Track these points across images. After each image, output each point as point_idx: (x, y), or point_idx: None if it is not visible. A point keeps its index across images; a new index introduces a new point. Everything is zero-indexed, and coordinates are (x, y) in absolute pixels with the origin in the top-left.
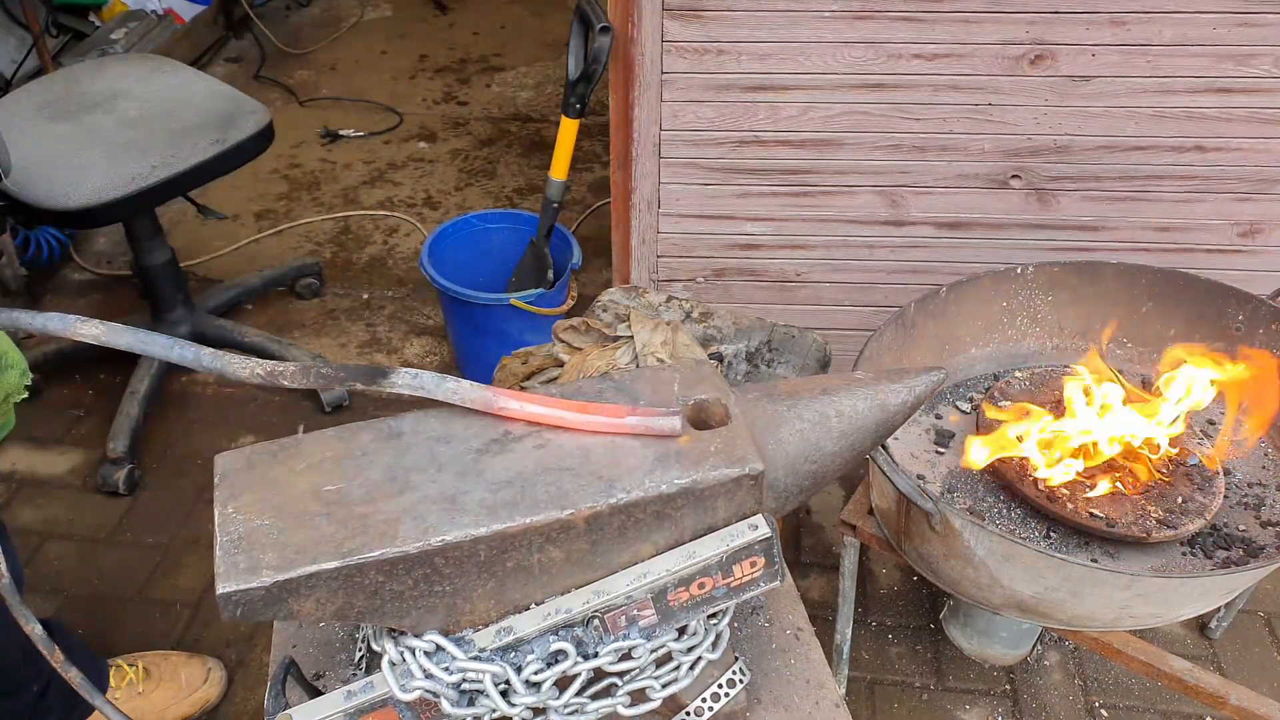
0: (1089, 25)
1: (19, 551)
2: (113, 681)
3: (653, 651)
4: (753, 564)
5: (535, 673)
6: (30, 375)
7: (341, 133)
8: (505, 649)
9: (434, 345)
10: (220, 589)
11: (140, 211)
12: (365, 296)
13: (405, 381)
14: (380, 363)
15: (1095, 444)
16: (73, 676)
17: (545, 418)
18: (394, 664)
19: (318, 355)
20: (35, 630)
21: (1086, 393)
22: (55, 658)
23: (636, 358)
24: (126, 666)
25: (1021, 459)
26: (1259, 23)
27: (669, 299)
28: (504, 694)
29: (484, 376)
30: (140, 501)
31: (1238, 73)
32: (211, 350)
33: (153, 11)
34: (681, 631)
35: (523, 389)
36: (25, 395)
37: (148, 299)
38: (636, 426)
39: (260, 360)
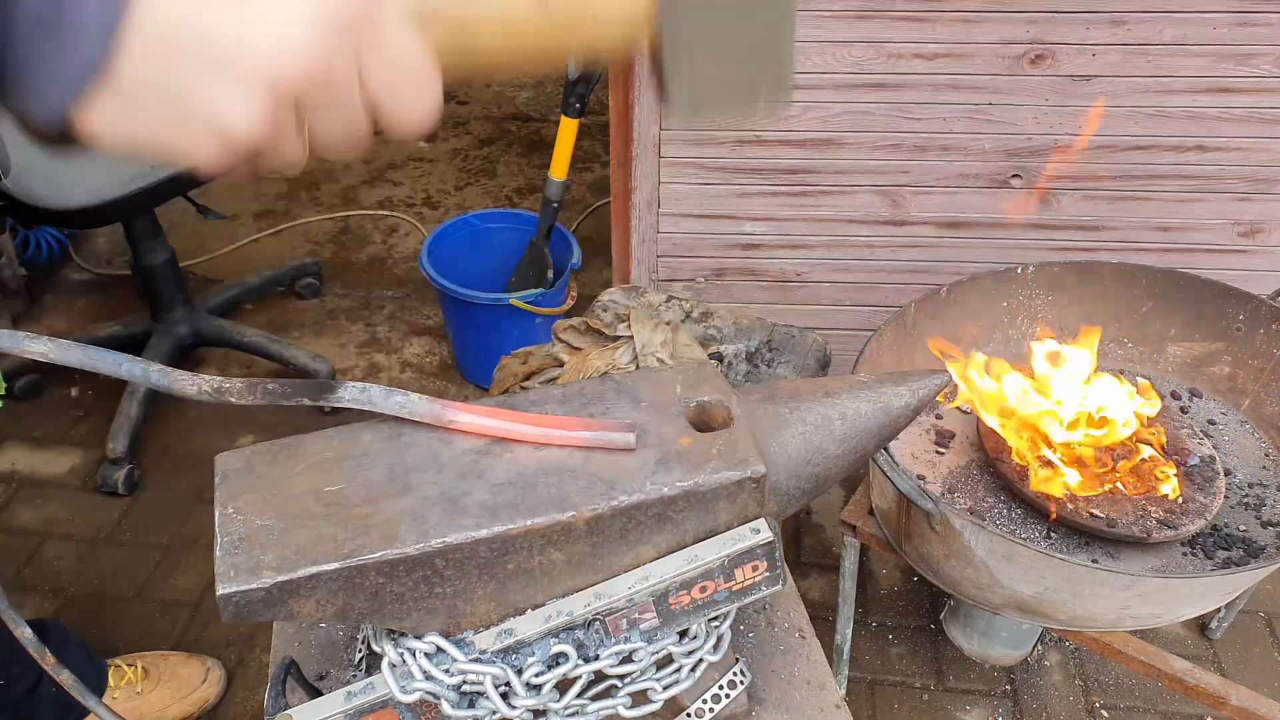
0: (1089, 25)
1: (19, 552)
2: (112, 681)
3: (654, 654)
4: (755, 568)
5: (536, 675)
6: (3, 384)
7: None
8: (506, 651)
9: (434, 345)
10: (220, 590)
11: (140, 211)
12: (365, 296)
13: (352, 395)
14: (379, 362)
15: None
16: (65, 679)
17: (496, 430)
18: (394, 665)
19: (317, 355)
20: (25, 634)
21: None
22: (46, 661)
23: (636, 358)
24: (125, 666)
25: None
26: (1259, 23)
27: (669, 299)
28: (504, 696)
29: (484, 376)
30: (140, 501)
31: (1238, 73)
32: (160, 367)
33: None
34: (683, 634)
35: (523, 389)
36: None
37: (147, 299)
38: (591, 440)
39: (208, 377)
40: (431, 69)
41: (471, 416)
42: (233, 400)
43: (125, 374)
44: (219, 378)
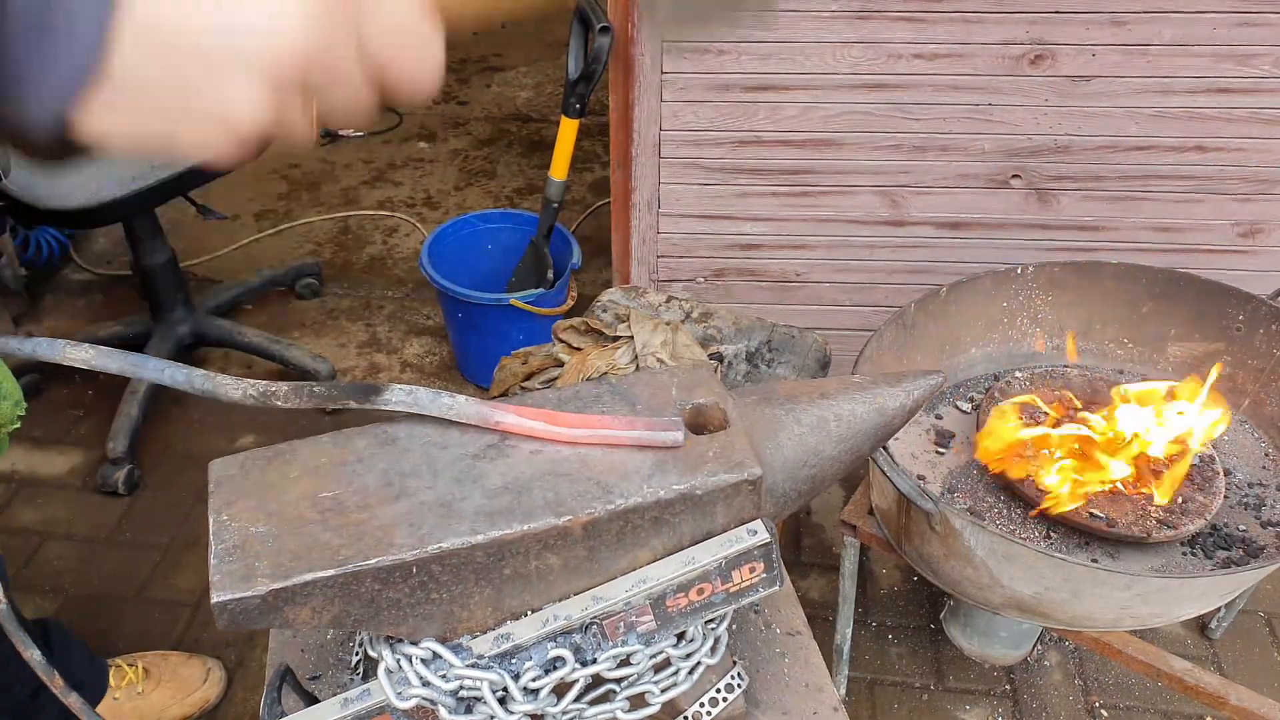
0: (1089, 25)
1: (19, 552)
2: (113, 681)
3: (651, 658)
4: (752, 569)
5: (533, 680)
6: (24, 405)
7: (341, 133)
8: (503, 656)
9: (434, 345)
10: (215, 598)
11: (140, 211)
12: (365, 296)
13: (400, 398)
14: (379, 362)
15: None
16: (73, 702)
17: (544, 433)
18: (391, 671)
19: (318, 355)
20: (34, 657)
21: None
22: (55, 683)
23: (636, 358)
24: (126, 666)
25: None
26: (1259, 23)
27: (669, 299)
28: (502, 701)
29: (484, 376)
30: (140, 501)
31: (1238, 73)
32: (203, 372)
33: None
34: (680, 637)
35: (523, 389)
36: (17, 425)
37: (148, 299)
38: (639, 439)
39: (253, 381)
40: (431, 25)
41: (518, 418)
42: (279, 404)
43: (169, 380)
44: (264, 381)
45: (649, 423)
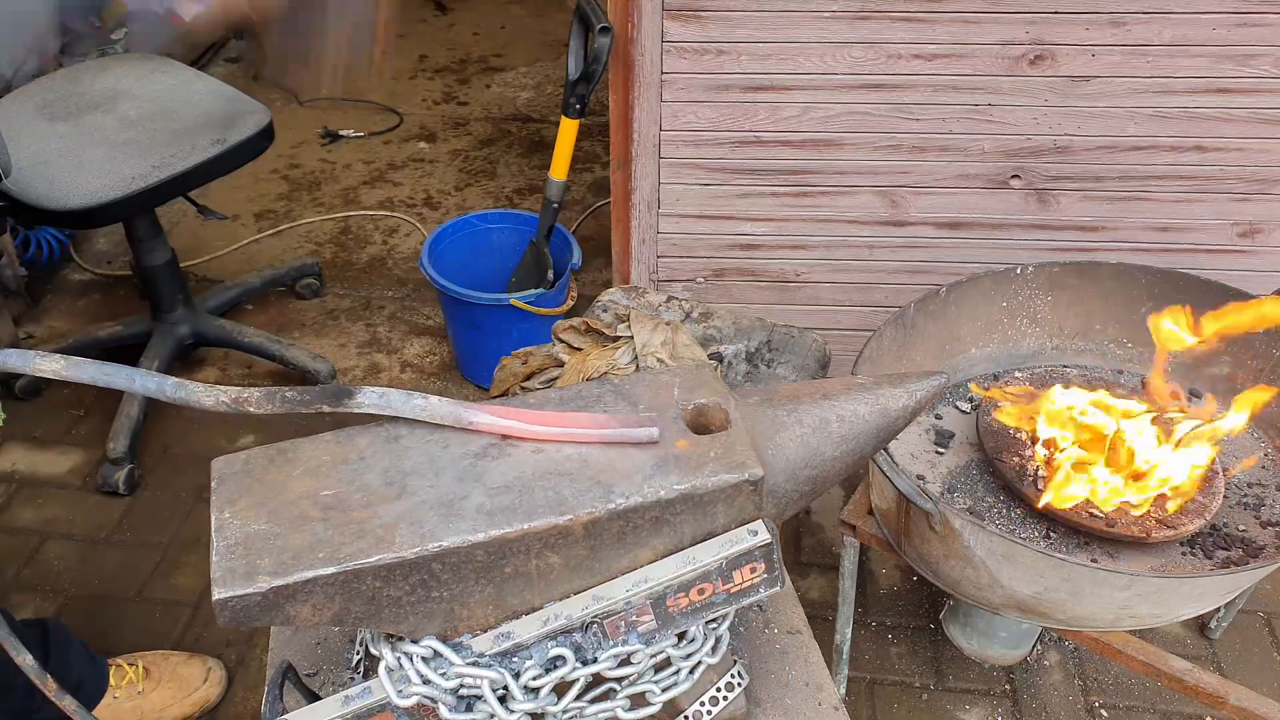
0: (1089, 25)
1: (19, 552)
2: (113, 681)
3: (652, 657)
4: (753, 570)
5: (534, 678)
6: (3, 416)
7: (341, 133)
8: (504, 655)
9: (434, 345)
10: (216, 595)
11: (140, 212)
12: (365, 296)
13: (372, 401)
14: (380, 362)
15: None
16: (68, 705)
17: (518, 431)
18: (391, 670)
19: (318, 355)
20: (27, 661)
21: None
22: (49, 687)
23: (636, 358)
24: (127, 666)
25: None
26: (1259, 23)
27: (669, 299)
28: (502, 700)
29: (484, 376)
30: (140, 501)
31: (1238, 73)
32: (175, 380)
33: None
34: (681, 637)
35: (523, 389)
36: None
37: (148, 299)
38: (612, 437)
39: (225, 388)
40: None
41: (491, 417)
42: (251, 410)
43: (140, 389)
44: (236, 388)
45: (623, 420)
